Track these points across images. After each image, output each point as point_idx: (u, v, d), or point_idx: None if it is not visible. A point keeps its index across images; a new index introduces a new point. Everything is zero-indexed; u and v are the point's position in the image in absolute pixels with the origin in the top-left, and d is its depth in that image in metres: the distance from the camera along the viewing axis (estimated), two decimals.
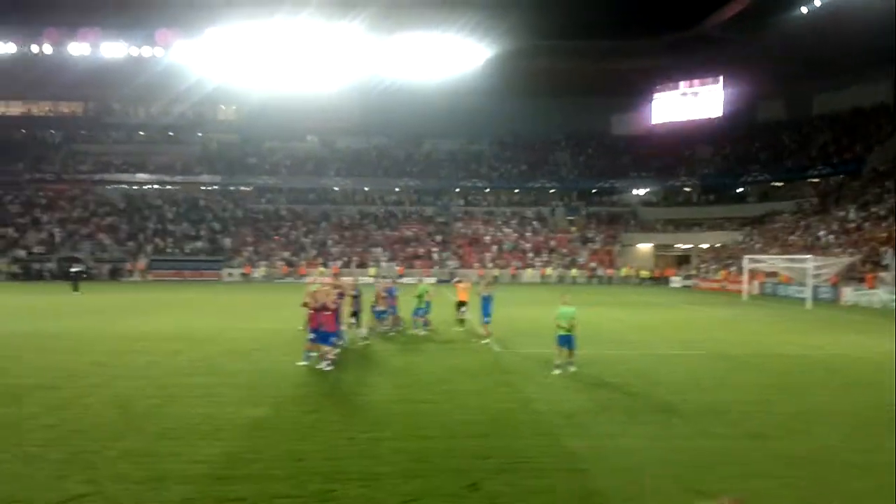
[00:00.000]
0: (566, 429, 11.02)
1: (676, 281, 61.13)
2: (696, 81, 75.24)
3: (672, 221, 72.30)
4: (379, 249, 68.72)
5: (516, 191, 79.96)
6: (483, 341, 20.63)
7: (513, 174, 79.75)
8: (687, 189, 77.02)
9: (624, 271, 65.77)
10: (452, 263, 66.60)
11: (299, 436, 10.43)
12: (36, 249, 64.67)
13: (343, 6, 59.09)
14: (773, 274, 48.58)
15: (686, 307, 37.65)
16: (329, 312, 15.96)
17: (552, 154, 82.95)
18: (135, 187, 77.12)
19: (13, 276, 60.13)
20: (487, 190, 79.59)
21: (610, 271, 65.86)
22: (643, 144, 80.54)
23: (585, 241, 71.26)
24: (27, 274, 60.59)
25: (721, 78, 73.09)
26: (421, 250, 69.13)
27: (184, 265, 63.86)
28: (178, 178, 77.14)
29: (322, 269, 63.45)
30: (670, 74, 74.81)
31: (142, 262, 63.91)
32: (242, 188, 78.35)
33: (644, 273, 65.34)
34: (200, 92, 68.41)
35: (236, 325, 24.78)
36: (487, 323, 21.13)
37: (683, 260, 70.02)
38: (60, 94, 79.10)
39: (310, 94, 70.22)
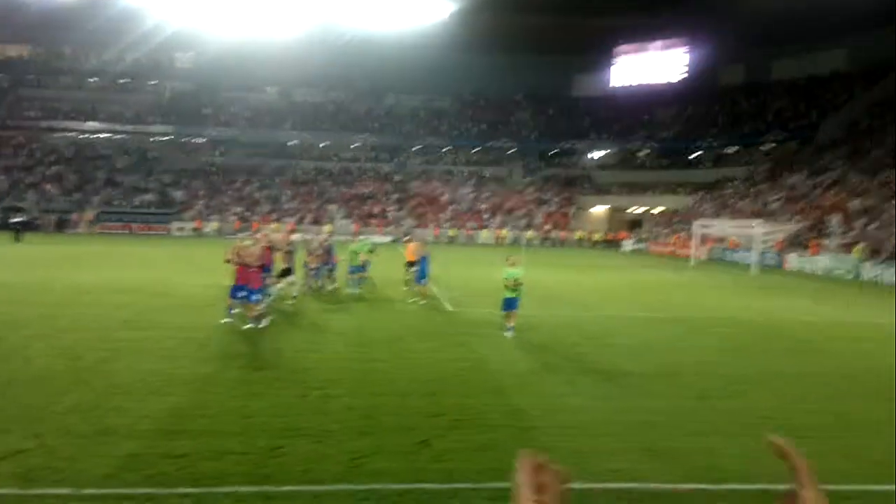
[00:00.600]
0: (516, 388, 11.18)
1: (628, 244, 62.03)
2: (658, 44, 75.43)
3: (627, 185, 73.05)
4: (334, 206, 68.08)
5: (475, 150, 79.68)
6: (419, 301, 20.35)
7: (473, 133, 79.41)
8: (643, 153, 77.73)
9: (577, 234, 66.46)
10: (409, 222, 66.41)
11: (248, 392, 10.36)
12: None
13: None
14: (722, 239, 49.61)
15: (637, 270, 38.32)
16: (252, 269, 15.43)
17: (513, 114, 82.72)
18: (83, 136, 74.58)
19: None
20: (446, 149, 79.11)
21: (563, 234, 66.46)
22: (603, 106, 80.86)
23: (541, 202, 71.63)
24: None
25: (685, 41, 73.38)
26: (377, 208, 68.72)
27: (133, 218, 62.43)
28: (129, 128, 74.83)
29: (276, 224, 62.80)
30: (634, 35, 74.85)
31: (89, 214, 62.25)
32: (196, 140, 76.47)
33: (597, 236, 66.12)
34: (156, 38, 66.06)
35: (186, 281, 24.36)
36: (424, 284, 20.74)
37: (636, 224, 71.06)
38: (6, 36, 75.55)
39: (270, 43, 68.48)
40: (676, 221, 61.67)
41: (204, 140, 76.30)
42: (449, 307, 19.86)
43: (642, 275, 35.53)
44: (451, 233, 65.15)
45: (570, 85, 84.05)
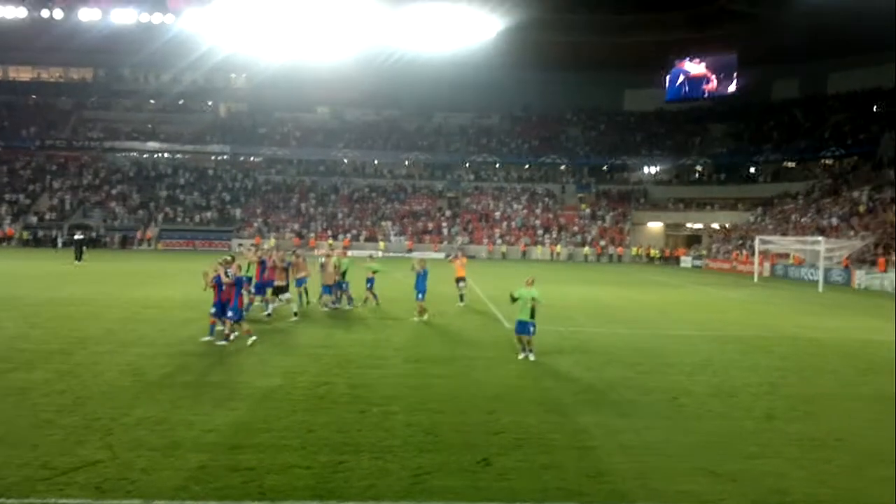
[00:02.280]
0: (575, 406, 11.06)
1: (686, 261, 60.94)
2: (710, 58, 74.31)
3: (683, 200, 71.87)
4: (388, 223, 68.69)
5: (527, 166, 79.56)
6: (419, 318, 19.86)
7: (523, 149, 79.30)
8: (699, 168, 76.48)
9: (634, 250, 65.62)
10: (462, 239, 66.57)
11: (310, 407, 10.50)
12: (47, 216, 64.97)
13: None
14: (785, 255, 48.36)
15: (697, 287, 37.56)
16: (227, 286, 15.26)
17: (564, 129, 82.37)
18: (145, 156, 77.10)
19: (25, 243, 60.49)
20: (498, 165, 79.19)
21: (620, 250, 65.69)
22: (656, 121, 79.98)
23: (595, 218, 71.01)
24: (38, 241, 60.92)
25: (736, 55, 72.19)
26: (430, 225, 69.07)
27: (194, 235, 64.08)
28: (189, 147, 77.08)
29: (332, 241, 63.70)
30: (685, 50, 73.89)
31: (152, 232, 64.13)
32: (252, 158, 78.25)
33: (654, 252, 65.17)
34: (211, 60, 67.96)
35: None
36: (421, 300, 20.16)
37: (694, 240, 69.79)
38: (71, 60, 78.79)
39: (321, 65, 69.73)
40: (736, 237, 60.36)
41: (260, 159, 77.98)
42: (506, 324, 19.76)
43: (702, 292, 34.82)
44: (503, 249, 65.03)
45: (622, 100, 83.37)
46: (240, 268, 15.92)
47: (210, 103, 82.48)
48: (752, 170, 73.11)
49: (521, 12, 62.45)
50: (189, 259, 48.62)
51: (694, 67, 75.62)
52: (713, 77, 74.53)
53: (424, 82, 73.12)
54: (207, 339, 15.54)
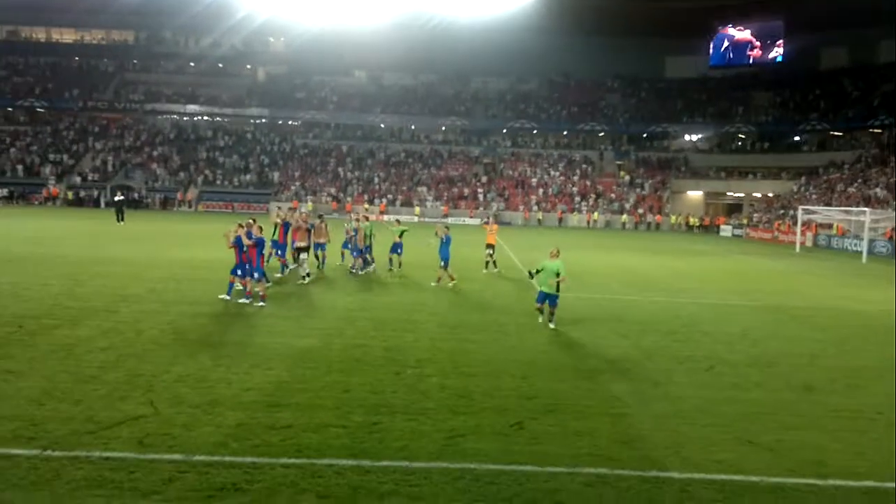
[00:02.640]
0: (609, 373, 11.05)
1: (727, 230, 59.92)
2: (756, 24, 72.13)
3: (724, 169, 70.43)
4: (424, 188, 68.64)
5: (565, 133, 78.53)
6: (437, 283, 19.78)
7: (562, 115, 78.20)
8: (741, 136, 74.70)
9: (673, 218, 64.73)
10: (498, 205, 66.30)
11: (346, 368, 10.65)
12: (90, 177, 66.22)
13: None
14: (828, 226, 47.27)
15: (737, 257, 36.97)
16: (248, 247, 15.58)
17: (603, 96, 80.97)
18: (185, 118, 77.88)
19: (69, 203, 61.82)
20: (535, 131, 78.28)
21: (659, 218, 64.84)
22: (698, 89, 78.14)
23: (634, 186, 70.07)
24: (81, 200, 62.19)
25: (782, 22, 69.95)
26: (466, 190, 68.86)
27: (233, 197, 64.81)
28: (228, 111, 77.54)
29: (367, 205, 63.97)
30: (729, 16, 71.83)
31: (192, 193, 65.02)
32: (290, 122, 78.54)
33: (693, 221, 64.21)
34: (251, 24, 68.06)
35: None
36: (444, 267, 19.93)
37: (735, 209, 68.56)
38: (113, 22, 79.36)
39: (359, 28, 69.34)
40: (778, 207, 59.13)
41: (298, 123, 78.23)
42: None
43: (742, 261, 34.26)
44: (539, 216, 64.65)
45: (663, 67, 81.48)
46: (261, 229, 16.15)
47: (249, 67, 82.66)
48: (797, 138, 71.18)
49: None
50: (228, 221, 49.21)
51: (738, 33, 73.60)
52: (758, 44, 72.48)
53: (462, 47, 72.24)
54: (224, 297, 15.91)
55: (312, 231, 20.19)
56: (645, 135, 76.81)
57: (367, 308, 15.94)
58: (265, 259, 17.43)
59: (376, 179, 69.89)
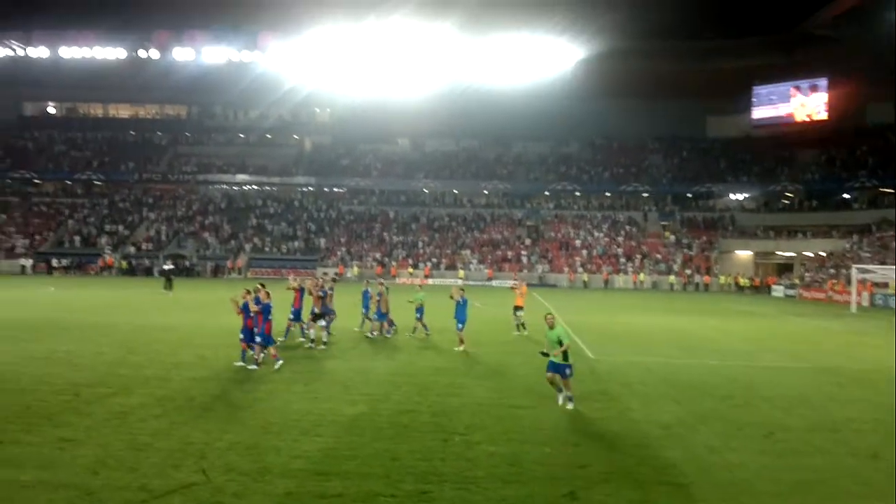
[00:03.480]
0: (664, 440, 10.73)
1: (778, 290, 58.52)
2: (798, 83, 71.89)
3: (773, 228, 69.24)
4: (468, 252, 68.91)
5: (608, 194, 78.52)
6: (460, 348, 19.32)
7: (604, 177, 78.34)
8: (789, 194, 73.68)
9: (722, 279, 63.59)
10: (542, 267, 66.10)
11: (394, 435, 10.56)
12: (144, 246, 68.17)
13: (434, 6, 59.57)
14: (884, 285, 45.86)
15: (790, 318, 35.97)
16: (252, 314, 15.84)
17: (646, 157, 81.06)
18: (235, 188, 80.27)
19: (123, 272, 63.55)
20: (578, 193, 78.42)
21: (707, 279, 63.77)
22: (741, 148, 77.74)
23: (680, 246, 69.30)
24: (133, 270, 63.86)
25: (826, 79, 69.60)
26: (510, 253, 68.91)
27: (282, 263, 65.80)
28: (276, 180, 79.72)
29: (412, 269, 64.36)
30: (772, 75, 71.82)
31: (242, 261, 66.32)
32: (336, 189, 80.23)
33: (743, 281, 62.95)
34: (297, 96, 70.70)
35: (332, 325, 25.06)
36: (461, 330, 19.58)
37: (785, 268, 67.03)
38: (166, 97, 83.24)
39: (401, 98, 71.22)
40: (831, 266, 57.71)
41: (343, 190, 79.86)
42: (589, 354, 19.42)
43: (796, 322, 33.34)
44: (585, 277, 64.17)
45: (704, 126, 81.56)
46: (268, 294, 16.38)
47: (296, 137, 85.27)
48: (846, 196, 69.84)
49: (601, 41, 62.25)
50: (276, 287, 49.91)
51: (781, 91, 73.39)
52: (802, 101, 72.12)
53: (503, 112, 73.43)
54: (239, 364, 16.03)
55: (327, 297, 20.07)
56: (689, 195, 76.31)
57: (410, 373, 15.87)
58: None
59: (420, 244, 70.46)
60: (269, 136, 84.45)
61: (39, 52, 66.71)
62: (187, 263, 64.80)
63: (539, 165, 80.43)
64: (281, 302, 19.18)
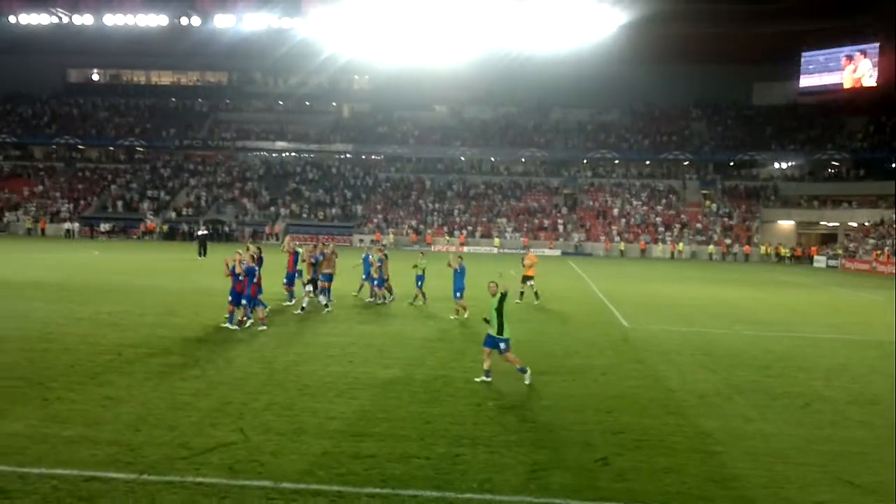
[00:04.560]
0: (698, 409, 10.67)
1: (821, 260, 57.38)
2: (848, 49, 69.47)
3: (817, 197, 67.72)
4: (504, 220, 68.70)
5: (647, 162, 77.41)
6: (457, 317, 18.99)
7: (644, 145, 77.16)
8: (835, 163, 71.79)
9: (763, 249, 62.50)
10: (578, 236, 65.66)
11: (427, 398, 10.67)
12: (185, 212, 69.29)
13: None
14: None
15: (832, 288, 35.30)
16: (241, 278, 16.04)
17: (688, 124, 79.53)
18: (274, 155, 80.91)
19: (164, 237, 64.78)
20: (617, 161, 77.46)
21: (747, 248, 62.74)
22: (787, 115, 75.82)
23: (721, 216, 68.16)
24: (174, 234, 65.03)
25: (877, 45, 67.14)
26: (546, 222, 68.52)
27: (318, 230, 66.32)
28: (314, 147, 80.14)
29: (448, 237, 64.46)
30: (821, 40, 69.49)
31: (279, 226, 67.06)
32: (373, 156, 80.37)
33: (784, 251, 61.81)
34: (336, 63, 70.59)
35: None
36: (459, 298, 19.14)
37: (829, 238, 65.61)
38: (207, 64, 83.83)
39: (439, 65, 70.65)
40: (876, 236, 56.29)
41: (380, 157, 79.96)
42: (624, 323, 19.33)
43: (838, 293, 32.70)
44: (621, 247, 63.61)
45: (750, 93, 79.62)
46: (252, 258, 16.66)
47: (334, 104, 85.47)
48: (895, 165, 67.82)
49: (644, 5, 60.74)
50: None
51: (830, 58, 71.02)
52: (851, 67, 69.77)
53: (542, 79, 72.55)
54: (225, 325, 16.34)
55: (318, 264, 19.72)
56: (731, 163, 74.89)
57: (446, 339, 15.99)
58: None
59: (456, 212, 70.41)
60: (307, 102, 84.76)
61: (84, 19, 67.41)
62: (226, 229, 65.73)
63: (577, 133, 79.45)
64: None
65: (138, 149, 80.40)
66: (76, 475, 7.21)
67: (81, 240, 60.75)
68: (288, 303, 20.33)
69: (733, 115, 79.19)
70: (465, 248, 62.26)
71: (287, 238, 23.37)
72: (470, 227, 67.19)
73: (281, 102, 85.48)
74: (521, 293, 22.97)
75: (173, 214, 68.92)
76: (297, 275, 20.59)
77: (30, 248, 46.57)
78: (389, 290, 22.01)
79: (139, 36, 70.20)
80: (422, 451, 8.26)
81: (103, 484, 7.04)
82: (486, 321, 12.22)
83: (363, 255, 22.93)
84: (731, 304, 25.67)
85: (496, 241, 63.93)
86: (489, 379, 11.80)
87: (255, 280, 16.41)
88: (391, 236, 64.43)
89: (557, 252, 61.85)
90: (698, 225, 66.98)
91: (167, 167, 77.46)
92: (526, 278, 22.97)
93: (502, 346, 11.87)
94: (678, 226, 66.74)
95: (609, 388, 11.76)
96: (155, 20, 67.49)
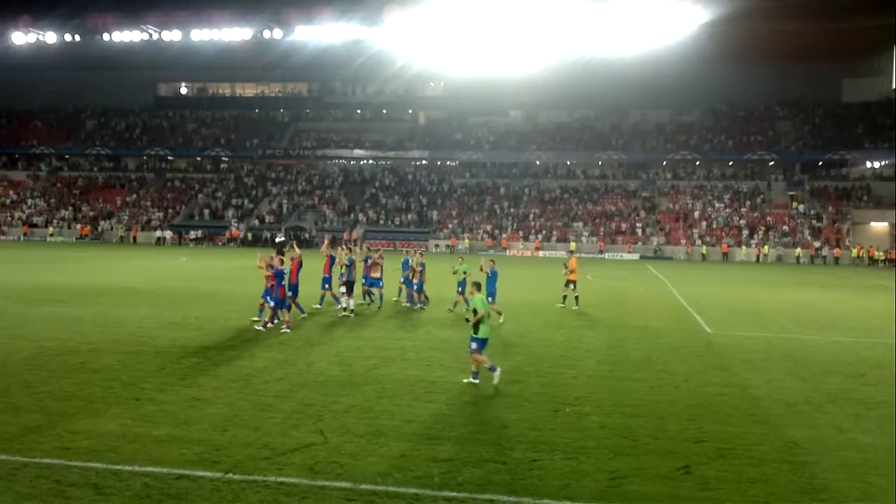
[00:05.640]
0: (786, 417, 10.30)
1: None
2: None
3: None
4: (580, 224, 67.85)
5: (730, 163, 75.05)
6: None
7: (727, 145, 74.84)
8: None
9: (854, 252, 59.66)
10: (657, 239, 64.23)
11: (504, 404, 10.65)
12: (267, 219, 71.34)
13: None
14: None
15: None
16: (269, 276, 16.69)
17: (773, 124, 76.68)
18: (352, 162, 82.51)
19: (247, 243, 66.78)
20: (698, 162, 75.37)
21: (838, 251, 60.01)
22: (880, 112, 72.11)
23: (809, 217, 65.43)
24: (256, 241, 66.87)
25: None
26: (624, 225, 67.30)
27: (395, 236, 67.24)
28: (391, 154, 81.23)
29: (524, 242, 64.17)
30: None
31: (357, 233, 68.18)
32: (449, 162, 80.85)
33: (878, 254, 58.84)
34: (411, 71, 71.44)
35: (446, 295, 25.22)
36: (491, 303, 18.15)
37: None
38: (288, 76, 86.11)
39: (513, 70, 70.43)
40: None
41: (455, 163, 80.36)
42: (707, 329, 18.79)
43: None
44: (703, 250, 61.87)
45: (839, 90, 76.17)
46: (281, 261, 17.19)
47: (410, 111, 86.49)
48: None
49: (725, 2, 58.95)
50: (389, 260, 51.06)
51: None
52: None
53: (619, 81, 71.32)
54: (254, 319, 17.42)
55: (352, 266, 20.02)
56: (820, 163, 71.81)
57: (524, 344, 15.89)
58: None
59: (531, 216, 69.98)
60: (384, 111, 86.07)
61: (173, 35, 70.33)
62: (306, 235, 67.25)
63: (656, 135, 77.78)
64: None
65: (223, 159, 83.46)
66: (166, 473, 7.51)
67: (171, 247, 63.34)
68: (318, 305, 20.96)
69: (821, 112, 75.94)
70: (541, 253, 61.94)
71: (325, 242, 23.89)
72: (545, 232, 66.64)
73: (359, 111, 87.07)
74: (564, 297, 22.77)
75: (256, 222, 71.02)
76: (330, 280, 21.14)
77: (123, 255, 48.84)
78: (426, 297, 22.02)
79: (224, 50, 72.72)
80: (498, 456, 8.25)
81: (191, 482, 7.31)
82: (468, 321, 12.12)
83: (402, 260, 23.16)
84: (820, 308, 24.62)
85: (572, 244, 63.17)
86: (477, 381, 11.75)
87: (282, 283, 16.89)
88: (466, 241, 64.56)
89: (636, 256, 60.73)
90: (784, 227, 64.48)
91: (250, 176, 79.98)
92: (569, 283, 22.67)
93: (474, 346, 11.74)
94: (763, 228, 64.43)
95: (691, 396, 11.46)
96: (239, 34, 69.74)
